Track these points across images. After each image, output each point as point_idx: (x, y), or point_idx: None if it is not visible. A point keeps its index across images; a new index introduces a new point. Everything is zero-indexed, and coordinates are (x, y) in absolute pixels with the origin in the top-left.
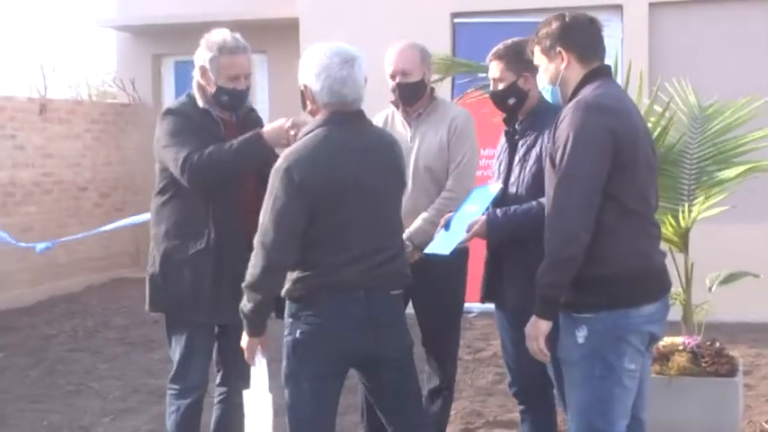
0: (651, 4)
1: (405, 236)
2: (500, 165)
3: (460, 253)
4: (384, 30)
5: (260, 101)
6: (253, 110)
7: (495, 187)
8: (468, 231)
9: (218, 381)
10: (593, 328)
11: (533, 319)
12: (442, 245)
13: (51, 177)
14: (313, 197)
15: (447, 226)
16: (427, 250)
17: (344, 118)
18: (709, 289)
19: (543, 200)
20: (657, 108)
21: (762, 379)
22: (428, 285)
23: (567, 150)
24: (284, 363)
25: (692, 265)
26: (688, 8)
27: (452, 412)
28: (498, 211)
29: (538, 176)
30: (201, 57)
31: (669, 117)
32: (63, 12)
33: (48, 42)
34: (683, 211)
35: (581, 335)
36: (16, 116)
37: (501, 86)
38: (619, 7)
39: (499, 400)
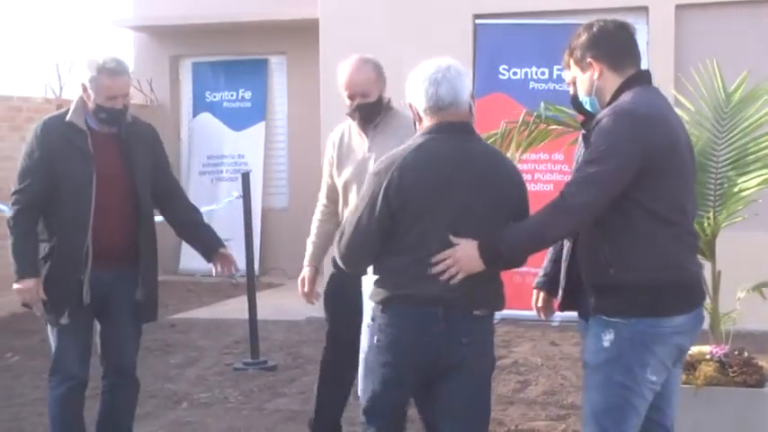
0: (677, 6)
1: None
2: None
3: None
4: (405, 31)
5: (279, 102)
6: (134, 122)
7: None
8: None
9: (102, 374)
10: (621, 333)
11: (475, 253)
12: None
13: None
14: (396, 203)
15: None
16: None
17: (445, 128)
18: (738, 299)
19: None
20: (682, 100)
21: None
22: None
23: (594, 156)
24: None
25: (719, 273)
26: (715, 10)
27: None
28: None
29: None
30: (83, 75)
31: (695, 113)
32: (79, 11)
33: (64, 42)
34: (709, 218)
35: (607, 338)
36: (33, 117)
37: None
38: (644, 9)
39: (520, 408)
